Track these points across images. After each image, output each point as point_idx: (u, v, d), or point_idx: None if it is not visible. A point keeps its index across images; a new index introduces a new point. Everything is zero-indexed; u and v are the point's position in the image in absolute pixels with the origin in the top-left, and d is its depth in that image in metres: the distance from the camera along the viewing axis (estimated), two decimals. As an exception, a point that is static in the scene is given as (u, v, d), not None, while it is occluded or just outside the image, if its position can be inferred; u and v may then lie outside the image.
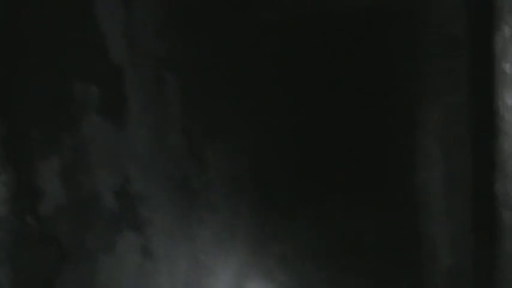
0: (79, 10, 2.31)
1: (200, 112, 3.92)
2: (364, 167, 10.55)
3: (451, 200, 3.53)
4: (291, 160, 9.27)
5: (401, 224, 6.32)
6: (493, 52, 2.25)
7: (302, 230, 7.08)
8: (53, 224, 2.01)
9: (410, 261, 5.57)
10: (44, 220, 1.95)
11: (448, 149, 3.56)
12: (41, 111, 1.98)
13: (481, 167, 3.11)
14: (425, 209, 4.47)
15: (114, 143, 2.57)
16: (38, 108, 1.96)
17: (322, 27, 9.81)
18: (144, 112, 2.93)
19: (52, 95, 2.06)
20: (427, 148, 4.19)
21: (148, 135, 2.98)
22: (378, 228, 6.98)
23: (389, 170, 8.75)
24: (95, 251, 2.33)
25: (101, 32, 2.47)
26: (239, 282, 4.87)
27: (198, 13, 3.90)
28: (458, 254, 3.51)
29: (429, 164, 4.14)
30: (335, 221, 7.52)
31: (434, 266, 4.07)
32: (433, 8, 3.89)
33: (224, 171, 4.52)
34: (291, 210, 7.97)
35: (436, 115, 3.83)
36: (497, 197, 2.27)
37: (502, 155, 2.18)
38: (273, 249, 6.25)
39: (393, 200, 7.71)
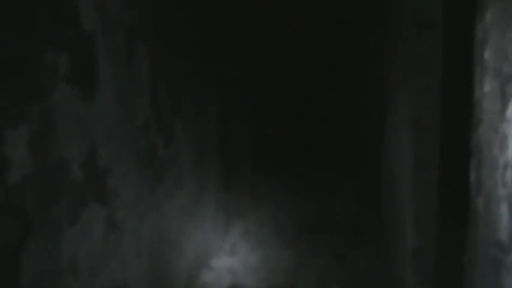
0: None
1: (170, 84, 3.88)
2: (333, 145, 10.70)
3: (419, 183, 3.56)
4: (258, 136, 9.30)
5: (369, 203, 6.40)
6: (474, 39, 2.26)
7: (265, 207, 7.12)
8: (20, 194, 1.97)
9: (376, 240, 5.65)
10: (10, 189, 1.91)
11: (418, 131, 3.58)
12: (10, 79, 1.92)
13: (454, 152, 3.13)
14: (393, 190, 4.51)
15: (83, 112, 2.53)
16: (7, 76, 1.91)
17: (292, 5, 9.84)
18: (114, 82, 2.90)
19: (22, 62, 2.01)
20: (398, 130, 4.22)
21: (118, 105, 2.95)
22: (344, 207, 7.06)
23: (359, 149, 8.84)
24: (60, 221, 2.29)
25: (73, -1, 2.43)
26: (203, 256, 4.88)
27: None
28: (424, 235, 3.55)
29: (398, 146, 4.18)
30: (302, 197, 7.59)
31: (400, 246, 4.12)
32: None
33: (192, 145, 4.50)
34: (255, 187, 8.01)
35: (407, 98, 3.85)
36: (470, 183, 2.29)
37: (477, 141, 2.20)
38: (236, 225, 6.28)
39: (362, 179, 7.80)
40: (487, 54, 2.12)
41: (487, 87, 2.10)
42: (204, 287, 4.69)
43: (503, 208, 1.86)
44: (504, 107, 1.90)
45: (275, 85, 11.18)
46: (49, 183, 2.20)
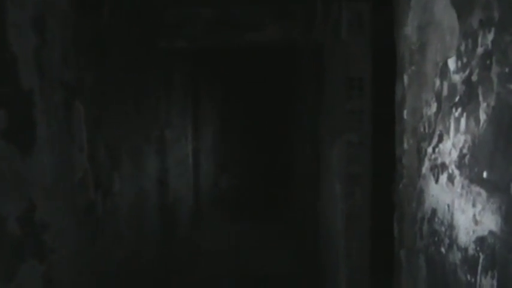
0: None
1: (109, 140, 3.92)
2: (274, 200, 10.83)
3: (351, 236, 3.66)
4: (200, 190, 9.33)
5: (304, 254, 6.48)
6: (394, 98, 2.40)
7: (206, 261, 7.13)
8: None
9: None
10: None
11: (349, 185, 3.70)
12: None
13: (379, 206, 3.24)
14: (328, 243, 4.59)
15: (20, 168, 2.55)
16: None
17: (227, 58, 10.03)
18: (52, 138, 2.91)
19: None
20: (331, 183, 4.33)
21: (55, 161, 2.96)
22: (285, 259, 7.13)
23: (298, 203, 8.95)
24: (-5, 278, 2.29)
25: (11, 55, 2.45)
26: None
27: (105, 40, 3.93)
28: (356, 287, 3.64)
29: (331, 199, 4.28)
30: (244, 248, 7.62)
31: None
32: (339, 48, 4.05)
33: (130, 199, 4.52)
34: (196, 240, 8.01)
35: (337, 153, 3.97)
36: (394, 236, 2.39)
37: (399, 196, 2.31)
38: (177, 279, 6.27)
39: (301, 231, 7.89)
40: (406, 114, 2.25)
41: (406, 145, 2.23)
42: None
43: (421, 260, 1.96)
44: (420, 164, 2.02)
45: (217, 137, 11.34)
46: (-16, 240, 2.20)
